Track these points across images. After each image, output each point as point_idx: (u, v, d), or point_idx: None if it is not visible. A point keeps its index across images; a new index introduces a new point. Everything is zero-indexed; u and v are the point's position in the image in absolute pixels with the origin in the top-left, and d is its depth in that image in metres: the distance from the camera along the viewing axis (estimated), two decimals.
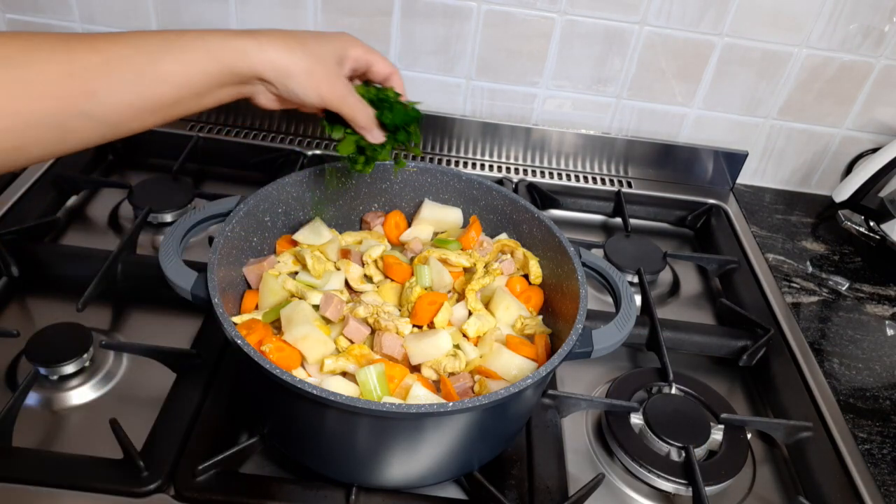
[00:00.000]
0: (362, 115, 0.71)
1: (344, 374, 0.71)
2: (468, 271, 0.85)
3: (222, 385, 0.80)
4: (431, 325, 0.78)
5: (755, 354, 0.96)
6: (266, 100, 0.67)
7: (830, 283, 1.12)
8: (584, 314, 0.71)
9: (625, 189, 1.28)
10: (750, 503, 0.80)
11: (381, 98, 0.74)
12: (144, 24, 1.21)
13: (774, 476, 0.84)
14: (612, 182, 1.30)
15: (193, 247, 1.03)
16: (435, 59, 1.21)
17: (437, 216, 0.91)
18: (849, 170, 1.31)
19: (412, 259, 0.86)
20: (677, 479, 0.78)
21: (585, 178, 1.30)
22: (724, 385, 0.95)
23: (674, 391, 0.88)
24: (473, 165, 1.30)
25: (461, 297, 0.82)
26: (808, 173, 1.34)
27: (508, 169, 1.30)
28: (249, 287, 0.80)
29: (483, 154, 1.31)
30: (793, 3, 1.12)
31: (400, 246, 0.90)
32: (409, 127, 0.77)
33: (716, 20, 1.14)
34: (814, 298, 1.08)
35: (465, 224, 0.92)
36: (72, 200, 1.11)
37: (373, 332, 0.76)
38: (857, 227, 1.16)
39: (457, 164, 1.30)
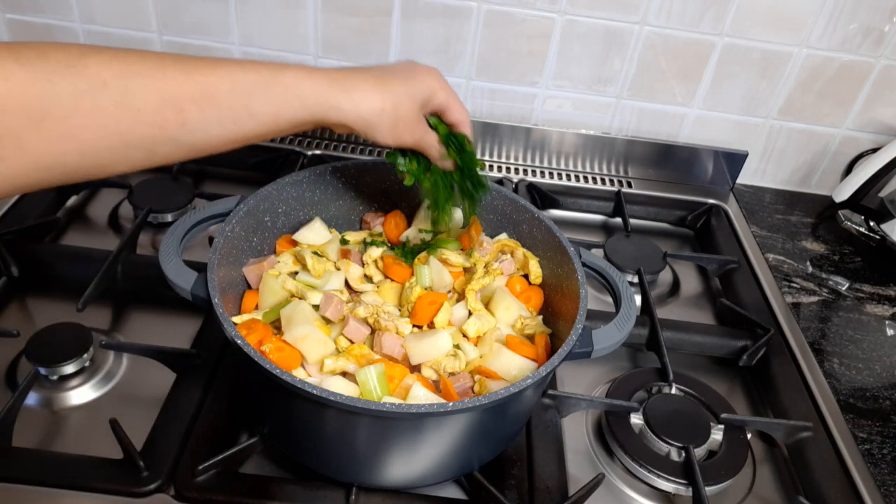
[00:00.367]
0: (435, 151, 0.73)
1: (344, 374, 0.71)
2: (468, 271, 0.85)
3: (222, 385, 0.80)
4: (431, 325, 0.78)
5: (755, 354, 0.96)
6: (337, 129, 0.68)
7: (830, 283, 1.12)
8: (584, 314, 0.71)
9: (625, 189, 1.28)
10: (750, 503, 0.80)
11: (454, 137, 0.75)
12: (144, 24, 1.21)
13: (774, 476, 0.84)
14: (612, 182, 1.30)
15: (193, 247, 1.03)
16: (435, 59, 1.21)
17: None
18: (849, 170, 1.31)
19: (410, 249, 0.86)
20: (677, 479, 0.78)
21: (585, 178, 1.30)
22: (724, 385, 0.95)
23: (674, 391, 0.88)
24: None
25: (461, 297, 0.82)
26: (808, 173, 1.34)
27: (508, 169, 1.30)
28: (249, 287, 0.80)
29: (483, 154, 1.31)
30: (793, 3, 1.12)
31: (400, 245, 0.90)
32: (473, 173, 0.78)
33: (716, 20, 1.14)
34: (814, 298, 1.08)
35: (465, 224, 0.92)
36: (72, 200, 1.11)
37: (373, 332, 0.76)
38: (857, 227, 1.16)
39: None
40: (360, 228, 0.94)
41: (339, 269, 0.84)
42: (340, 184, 0.89)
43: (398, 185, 0.92)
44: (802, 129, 1.27)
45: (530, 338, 0.79)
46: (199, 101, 0.56)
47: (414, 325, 0.77)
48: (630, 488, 0.79)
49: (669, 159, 1.29)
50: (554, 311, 0.82)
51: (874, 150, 1.23)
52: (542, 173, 1.30)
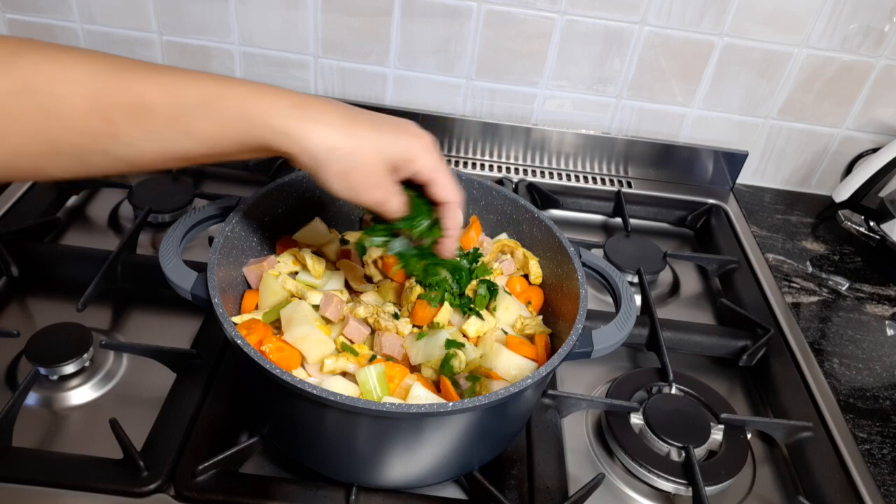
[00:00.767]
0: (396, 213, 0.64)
1: (344, 374, 0.71)
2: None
3: (222, 385, 0.80)
4: (431, 325, 0.78)
5: (755, 354, 0.96)
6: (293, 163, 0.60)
7: (830, 283, 1.12)
8: (584, 314, 0.71)
9: (625, 189, 1.28)
10: (750, 503, 0.80)
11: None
12: (144, 25, 1.21)
13: (774, 476, 0.84)
14: (612, 182, 1.30)
15: (193, 247, 1.03)
16: (435, 59, 1.21)
17: None
18: (849, 170, 1.31)
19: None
20: (677, 479, 0.78)
21: (585, 178, 1.30)
22: (724, 385, 0.95)
23: (674, 391, 0.88)
24: (473, 165, 1.30)
25: None
26: (808, 173, 1.34)
27: (508, 169, 1.30)
28: (249, 287, 0.80)
29: (483, 154, 1.31)
30: (793, 3, 1.12)
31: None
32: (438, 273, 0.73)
33: (716, 20, 1.14)
34: (814, 298, 1.08)
35: (465, 224, 0.92)
36: (72, 200, 1.11)
37: (373, 332, 0.76)
38: (857, 227, 1.16)
39: (457, 164, 1.30)
40: (360, 228, 0.94)
41: (339, 269, 0.83)
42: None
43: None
44: (802, 129, 1.27)
45: (530, 338, 0.79)
46: (132, 114, 0.52)
47: (414, 325, 0.77)
48: (630, 488, 0.79)
49: (669, 159, 1.29)
50: (554, 311, 0.82)
51: (874, 150, 1.23)
52: (542, 173, 1.30)
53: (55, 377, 0.80)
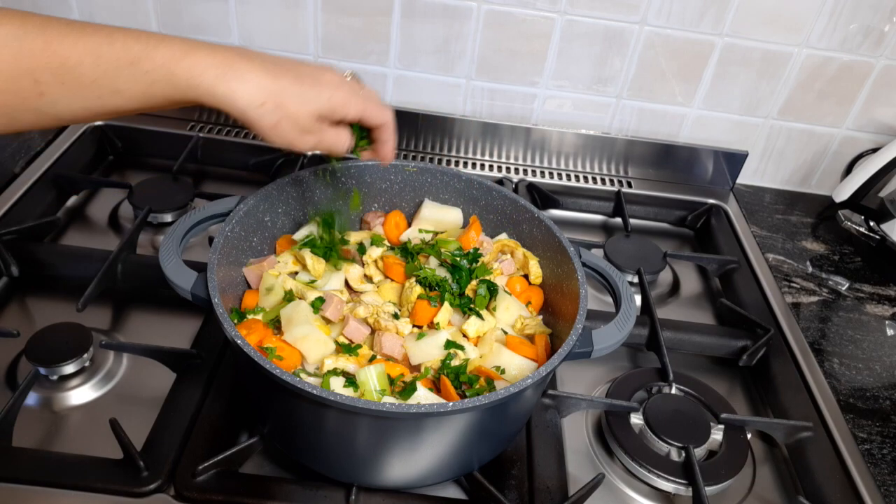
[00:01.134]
0: (342, 149, 0.68)
1: (344, 373, 0.71)
2: None
3: (222, 385, 0.80)
4: (431, 325, 0.78)
5: (755, 354, 0.96)
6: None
7: (830, 283, 1.12)
8: (584, 314, 0.71)
9: (625, 189, 1.28)
10: (750, 503, 0.80)
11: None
12: (144, 25, 1.21)
13: (774, 476, 0.84)
14: (612, 182, 1.30)
15: (193, 247, 1.03)
16: (435, 59, 1.21)
17: (437, 216, 0.91)
18: (849, 170, 1.31)
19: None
20: (677, 479, 0.78)
21: (585, 178, 1.30)
22: (724, 385, 0.95)
23: (674, 391, 0.88)
24: (473, 165, 1.30)
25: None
26: (808, 173, 1.34)
27: (508, 169, 1.30)
28: (249, 287, 0.80)
29: (483, 154, 1.31)
30: (793, 3, 1.12)
31: (399, 246, 0.90)
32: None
33: (716, 20, 1.14)
34: (814, 298, 1.08)
35: (465, 224, 0.92)
36: (72, 200, 1.11)
37: (373, 332, 0.76)
38: (857, 227, 1.16)
39: (457, 164, 1.30)
40: (360, 228, 0.94)
41: (339, 269, 0.83)
42: (340, 184, 0.89)
43: (398, 186, 0.92)
44: (802, 129, 1.27)
45: (530, 338, 0.79)
46: (59, 74, 0.52)
47: (414, 325, 0.77)
48: (630, 488, 0.79)
49: (669, 159, 1.29)
50: (554, 311, 0.82)
51: (874, 150, 1.23)
52: (542, 173, 1.30)
53: (55, 377, 0.80)
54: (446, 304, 0.78)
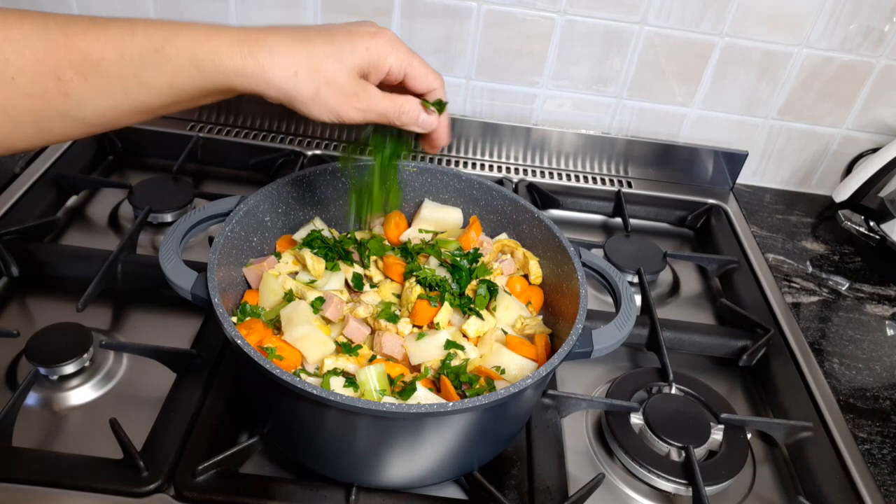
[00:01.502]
0: (404, 118, 0.60)
1: (344, 373, 0.71)
2: None
3: (222, 385, 0.80)
4: (431, 325, 0.78)
5: (755, 354, 0.96)
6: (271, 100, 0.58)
7: (830, 283, 1.12)
8: (584, 314, 0.71)
9: (625, 189, 1.28)
10: (750, 503, 0.80)
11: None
12: None
13: (774, 476, 0.84)
14: (612, 182, 1.30)
15: (193, 247, 1.03)
16: (435, 59, 1.21)
17: (437, 216, 0.91)
18: (849, 170, 1.31)
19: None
20: (677, 479, 0.78)
21: (585, 178, 1.30)
22: (724, 385, 0.95)
23: (674, 391, 0.88)
24: (473, 165, 1.30)
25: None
26: (808, 173, 1.34)
27: (508, 169, 1.30)
28: (249, 287, 0.80)
29: (483, 154, 1.31)
30: (793, 3, 1.12)
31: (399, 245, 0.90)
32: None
33: (716, 20, 1.14)
34: (814, 298, 1.08)
35: (465, 224, 0.92)
36: (72, 200, 1.11)
37: (373, 332, 0.76)
38: (857, 227, 1.16)
39: (457, 164, 1.30)
40: (360, 228, 0.94)
41: (339, 269, 0.84)
42: (340, 184, 0.89)
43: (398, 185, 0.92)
44: (802, 129, 1.27)
45: (530, 338, 0.79)
46: (82, 70, 0.50)
47: (414, 325, 0.77)
48: (630, 488, 0.79)
49: (669, 159, 1.29)
50: (554, 311, 0.82)
51: (874, 150, 1.23)
52: (542, 173, 1.30)
53: (55, 377, 0.80)
54: (446, 304, 0.78)
